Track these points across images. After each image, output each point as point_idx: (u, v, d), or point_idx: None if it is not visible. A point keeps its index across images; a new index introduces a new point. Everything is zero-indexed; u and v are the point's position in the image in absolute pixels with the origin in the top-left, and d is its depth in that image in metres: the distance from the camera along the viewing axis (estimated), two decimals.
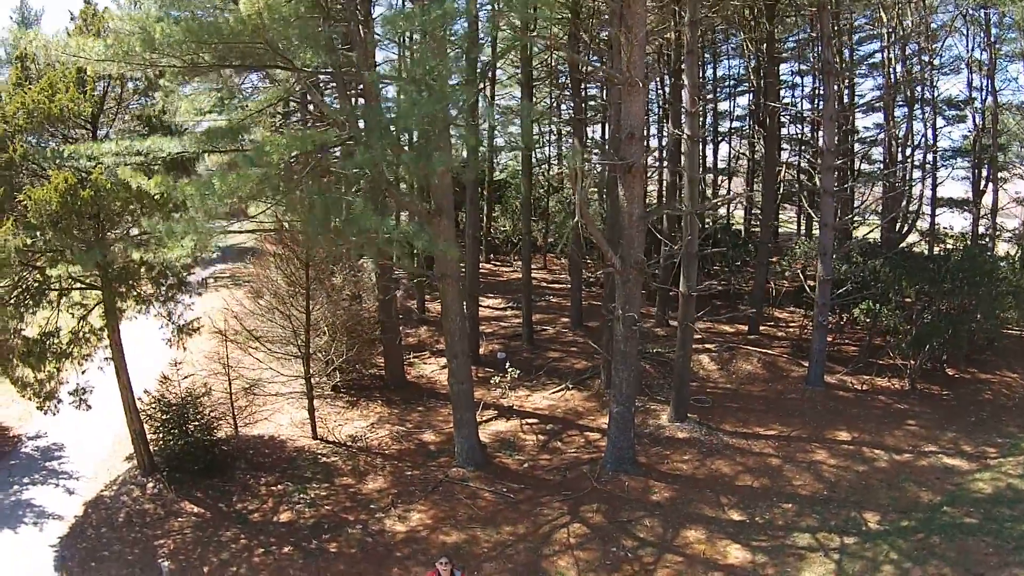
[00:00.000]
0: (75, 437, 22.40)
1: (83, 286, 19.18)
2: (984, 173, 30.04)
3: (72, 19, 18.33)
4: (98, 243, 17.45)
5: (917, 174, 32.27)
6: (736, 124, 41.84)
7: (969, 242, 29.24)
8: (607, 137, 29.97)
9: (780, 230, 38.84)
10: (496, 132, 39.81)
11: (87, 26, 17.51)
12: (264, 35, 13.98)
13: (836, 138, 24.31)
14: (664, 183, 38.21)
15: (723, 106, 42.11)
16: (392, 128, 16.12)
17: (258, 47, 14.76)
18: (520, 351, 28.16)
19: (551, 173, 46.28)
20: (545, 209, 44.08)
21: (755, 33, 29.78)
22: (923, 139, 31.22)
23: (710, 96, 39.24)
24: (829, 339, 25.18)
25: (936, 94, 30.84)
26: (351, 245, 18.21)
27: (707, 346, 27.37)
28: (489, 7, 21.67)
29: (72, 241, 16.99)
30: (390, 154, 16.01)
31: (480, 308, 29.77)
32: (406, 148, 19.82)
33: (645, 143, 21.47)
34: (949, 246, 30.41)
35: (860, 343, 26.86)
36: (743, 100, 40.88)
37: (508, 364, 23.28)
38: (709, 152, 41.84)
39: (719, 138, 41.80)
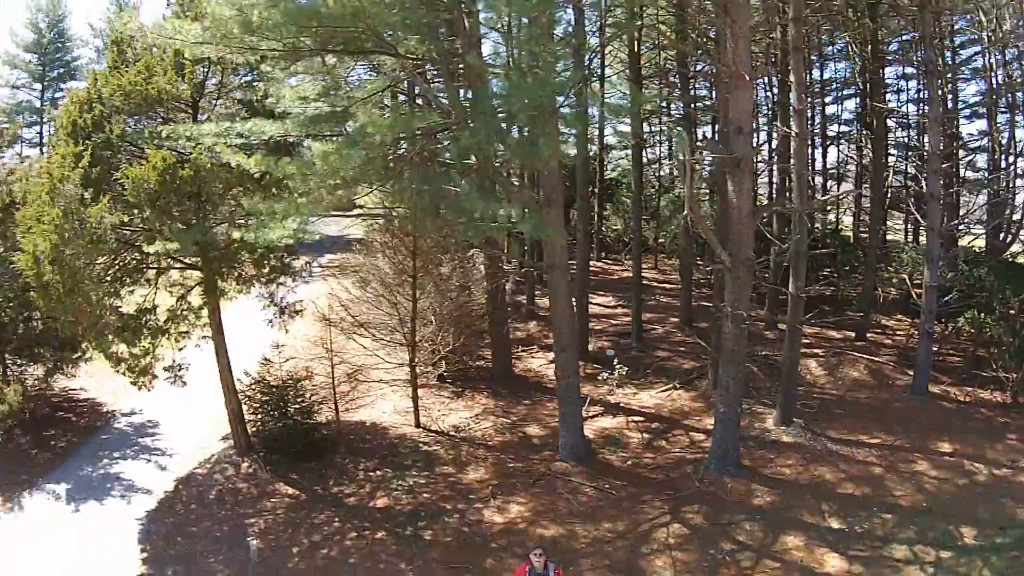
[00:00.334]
0: (170, 416, 22.68)
1: (183, 265, 19.39)
2: None
3: (168, 4, 18.45)
4: (198, 223, 17.61)
5: (1021, 182, 31.20)
6: (844, 128, 41.10)
7: None
8: (716, 134, 29.63)
9: (888, 237, 37.77)
10: (606, 132, 39.97)
11: (184, 11, 17.57)
12: (365, 20, 13.86)
13: (942, 142, 23.56)
14: (774, 185, 37.65)
15: (830, 109, 41.43)
16: (498, 112, 15.91)
17: (360, 33, 14.69)
18: (629, 349, 27.72)
19: (662, 173, 46.08)
20: (656, 209, 43.58)
21: (858, 34, 29.12)
22: None
23: (817, 99, 38.56)
24: (934, 348, 24.33)
25: None
26: (456, 230, 18.01)
27: (815, 351, 26.68)
28: None
29: (170, 220, 17.15)
30: (495, 139, 15.76)
31: (590, 305, 29.59)
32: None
33: (753, 139, 21.06)
34: None
35: (964, 353, 25.92)
36: (850, 104, 40.12)
37: (616, 361, 22.91)
38: (818, 155, 41.14)
39: (827, 142, 41.08)
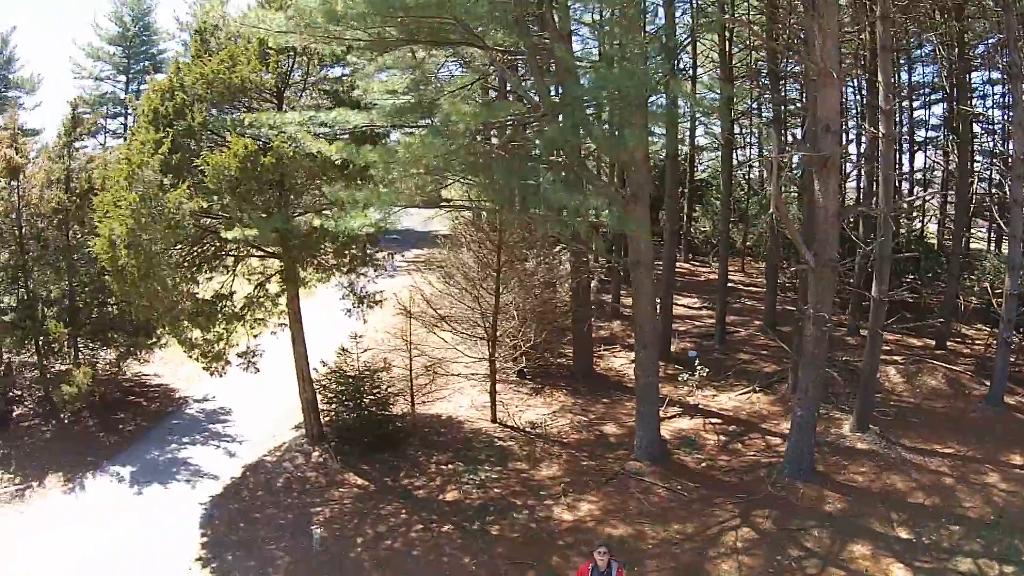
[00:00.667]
0: (243, 403, 22.98)
1: (263, 253, 19.52)
2: None
3: None
4: (279, 211, 17.72)
5: None
6: (931, 134, 40.24)
7: None
8: (804, 133, 29.24)
9: (972, 245, 36.85)
10: (698, 132, 39.75)
11: (269, 1, 17.67)
12: (451, 11, 13.75)
13: None
14: (861, 189, 36.99)
15: (918, 114, 40.55)
16: (584, 102, 15.75)
17: (447, 24, 14.61)
18: (711, 350, 27.43)
19: (752, 176, 45.57)
20: (745, 211, 43.11)
21: (945, 36, 28.35)
22: None
23: (905, 103, 37.79)
24: (1012, 359, 23.54)
25: None
26: (539, 221, 17.87)
27: (895, 358, 26.03)
28: None
29: (250, 207, 17.26)
30: (581, 130, 15.61)
31: (675, 306, 29.35)
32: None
33: (841, 138, 20.66)
34: None
35: None
36: (937, 110, 39.32)
37: (697, 362, 22.66)
38: (905, 161, 40.33)
39: (915, 147, 40.24)
